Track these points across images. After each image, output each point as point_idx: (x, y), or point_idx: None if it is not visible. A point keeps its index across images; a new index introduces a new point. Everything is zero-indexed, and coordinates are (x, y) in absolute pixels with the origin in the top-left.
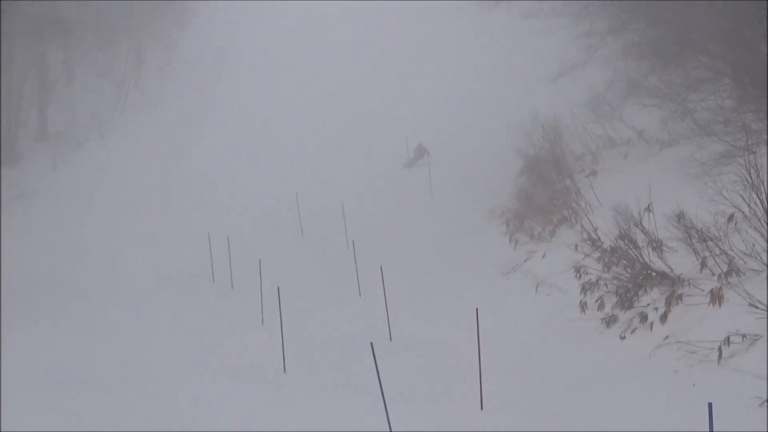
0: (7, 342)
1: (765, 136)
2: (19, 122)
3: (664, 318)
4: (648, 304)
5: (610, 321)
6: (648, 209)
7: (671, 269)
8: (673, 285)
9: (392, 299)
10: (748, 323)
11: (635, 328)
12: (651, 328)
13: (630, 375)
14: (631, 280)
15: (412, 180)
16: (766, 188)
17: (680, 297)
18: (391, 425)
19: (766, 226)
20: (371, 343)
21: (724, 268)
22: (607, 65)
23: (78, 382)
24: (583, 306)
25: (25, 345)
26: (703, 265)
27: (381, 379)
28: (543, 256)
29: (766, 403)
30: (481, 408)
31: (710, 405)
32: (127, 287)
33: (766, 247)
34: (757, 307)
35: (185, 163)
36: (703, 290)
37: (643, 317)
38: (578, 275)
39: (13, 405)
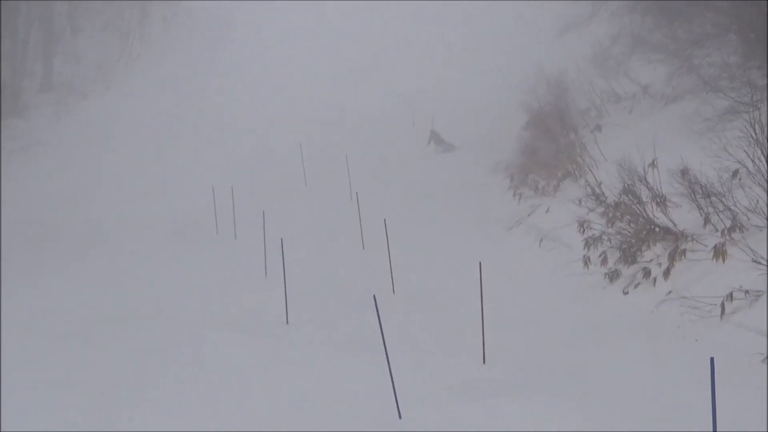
0: (10, 292)
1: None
2: (24, 73)
3: (667, 273)
4: (651, 260)
5: (613, 276)
6: (652, 164)
7: (675, 225)
8: (676, 240)
9: (395, 252)
10: (751, 279)
11: (638, 284)
12: (654, 283)
13: (632, 330)
14: (635, 235)
15: (415, 133)
16: None
17: (683, 252)
18: (393, 378)
19: None
20: (374, 296)
21: (728, 223)
22: (612, 20)
23: (78, 333)
24: (586, 261)
25: (27, 295)
26: (707, 220)
27: (383, 332)
28: (547, 211)
29: (767, 359)
30: (484, 361)
31: (712, 360)
32: (129, 238)
33: None
34: (760, 263)
35: (189, 115)
36: (706, 246)
37: (646, 272)
38: (582, 230)
39: (16, 356)
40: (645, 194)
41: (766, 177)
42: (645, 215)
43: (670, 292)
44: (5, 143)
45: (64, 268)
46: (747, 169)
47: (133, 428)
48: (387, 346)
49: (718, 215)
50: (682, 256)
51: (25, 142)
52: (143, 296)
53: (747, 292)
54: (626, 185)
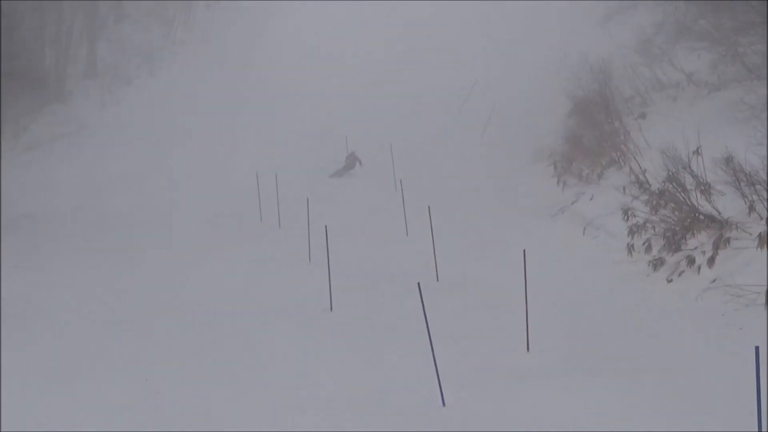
0: (55, 279)
1: None
2: (69, 59)
3: (711, 261)
4: (695, 248)
5: (657, 264)
6: (696, 152)
7: (719, 212)
8: (720, 228)
9: (440, 239)
10: None
11: (682, 271)
12: (698, 271)
13: (677, 318)
14: (679, 223)
15: (461, 121)
16: None
17: (728, 240)
18: (437, 365)
19: None
20: (418, 283)
21: None
22: (656, 8)
23: (123, 319)
24: (630, 248)
25: (70, 282)
26: (751, 208)
27: (427, 319)
28: (591, 198)
29: None
30: (528, 349)
31: (757, 349)
32: (174, 225)
33: None
34: None
35: (233, 101)
36: (750, 234)
37: (691, 260)
38: (626, 218)
39: (62, 341)
40: (689, 182)
41: None
42: (689, 203)
43: (714, 281)
44: (49, 129)
45: (108, 255)
46: None
47: (177, 414)
48: (431, 333)
49: (762, 203)
50: (727, 244)
51: (69, 129)
52: (188, 283)
53: None
54: (670, 173)
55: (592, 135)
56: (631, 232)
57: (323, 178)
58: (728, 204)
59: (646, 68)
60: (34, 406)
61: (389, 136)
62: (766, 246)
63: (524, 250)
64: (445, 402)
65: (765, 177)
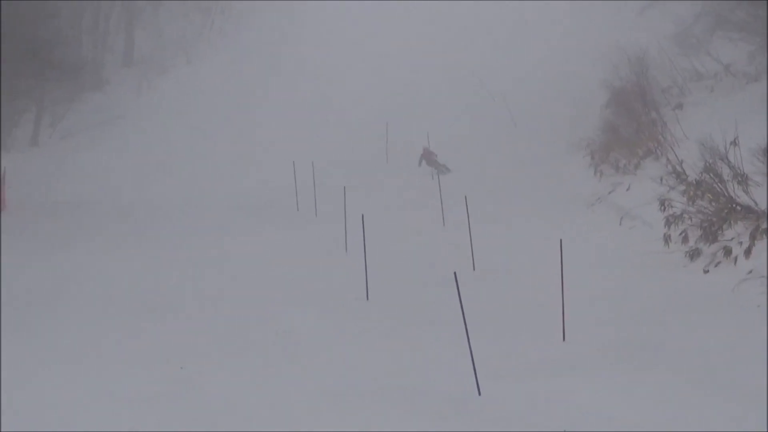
0: (93, 266)
1: None
2: (106, 47)
3: (748, 252)
4: (732, 238)
5: (693, 254)
6: (734, 143)
7: (756, 203)
8: (757, 219)
9: (476, 229)
10: None
11: (719, 262)
12: (735, 262)
13: (713, 309)
14: (716, 213)
15: (497, 111)
16: None
17: (765, 231)
18: (473, 355)
19: None
20: (454, 273)
21: None
22: None
23: (158, 308)
24: (667, 239)
25: (109, 269)
26: None
27: (463, 309)
28: (627, 189)
29: None
30: (564, 339)
31: None
32: (209, 213)
33: None
34: None
35: (270, 89)
36: None
37: (728, 251)
38: (663, 208)
39: (97, 329)
40: (726, 173)
41: None
42: (726, 194)
43: (751, 272)
44: (86, 117)
45: (144, 243)
46: None
47: (211, 403)
48: (467, 322)
49: None
50: (764, 235)
51: (106, 117)
52: (223, 272)
53: None
54: (707, 164)
55: (629, 125)
56: (668, 222)
57: (359, 168)
58: (765, 195)
59: (683, 58)
60: (65, 394)
61: (424, 127)
62: None
63: (561, 240)
64: (481, 392)
65: None
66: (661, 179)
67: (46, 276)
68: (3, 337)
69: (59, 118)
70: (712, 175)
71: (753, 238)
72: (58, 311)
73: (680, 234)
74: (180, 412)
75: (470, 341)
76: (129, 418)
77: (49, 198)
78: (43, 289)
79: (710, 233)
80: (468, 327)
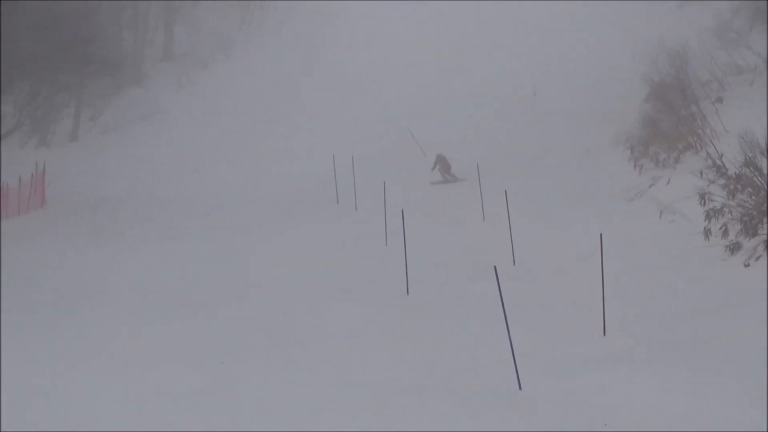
0: (129, 260)
1: None
2: (146, 43)
3: None
4: None
5: (734, 248)
6: None
7: None
8: None
9: (516, 223)
10: None
11: (759, 256)
12: None
13: (753, 302)
14: (756, 207)
15: (537, 107)
16: None
17: None
18: (514, 350)
19: None
20: (494, 267)
21: None
22: None
23: (196, 302)
24: (707, 233)
25: (146, 263)
26: None
27: (504, 303)
28: (667, 183)
29: None
30: (604, 333)
31: None
32: (249, 208)
33: None
34: None
35: (309, 84)
36: None
37: None
38: (703, 202)
39: (134, 324)
40: (766, 166)
41: None
42: (766, 187)
43: None
44: (125, 112)
45: (183, 238)
46: None
47: (252, 397)
48: (507, 317)
49: None
50: None
51: (145, 112)
52: (262, 265)
53: None
54: (748, 157)
55: (669, 119)
56: (708, 216)
57: (399, 163)
58: None
59: (723, 52)
60: (106, 390)
61: (464, 123)
62: None
63: (601, 234)
64: (522, 386)
65: None
66: (701, 173)
67: (86, 271)
68: (41, 332)
69: (99, 113)
70: (752, 168)
71: None
72: (97, 306)
73: (720, 228)
74: (222, 407)
75: (511, 335)
76: (172, 413)
77: (89, 193)
78: (82, 284)
79: (750, 227)
80: (508, 321)
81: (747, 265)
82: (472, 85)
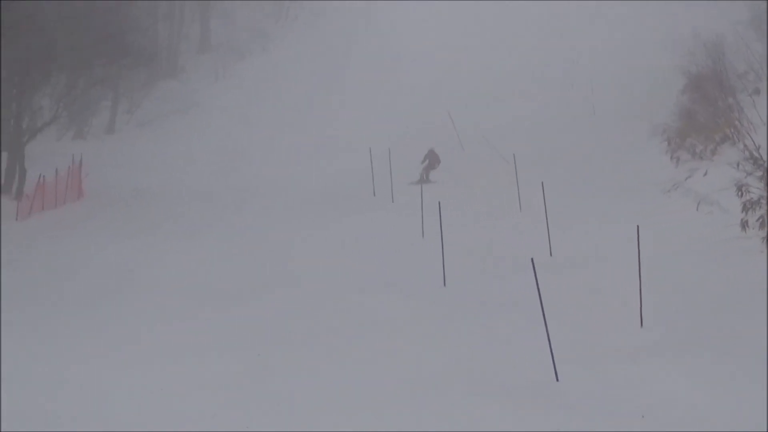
0: (161, 253)
1: None
2: (182, 35)
3: None
4: None
5: None
6: None
7: None
8: None
9: (552, 215)
10: None
11: None
12: None
13: None
14: None
15: (573, 98)
16: None
17: None
18: (551, 341)
19: None
20: (531, 259)
21: None
22: None
23: (233, 293)
24: (744, 224)
25: (178, 256)
26: None
27: (541, 295)
28: (704, 174)
29: None
30: (641, 325)
31: None
32: (286, 200)
33: None
34: None
35: (346, 76)
36: None
37: None
38: (740, 194)
39: (170, 316)
40: None
41: None
42: None
43: None
44: (162, 105)
45: (220, 230)
46: None
47: (288, 389)
48: (544, 308)
49: None
50: None
51: (182, 104)
52: (299, 257)
53: None
54: None
55: (706, 111)
56: (745, 208)
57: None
58: None
59: (759, 44)
60: (143, 381)
61: (500, 115)
62: None
63: (637, 226)
64: (559, 377)
65: None
66: (738, 165)
67: (122, 262)
68: (77, 323)
69: (135, 105)
70: None
71: None
72: (133, 298)
73: (757, 219)
74: (260, 397)
75: (548, 327)
76: (209, 403)
77: (125, 186)
78: (118, 275)
79: None
80: (545, 313)
81: None
82: (509, 78)
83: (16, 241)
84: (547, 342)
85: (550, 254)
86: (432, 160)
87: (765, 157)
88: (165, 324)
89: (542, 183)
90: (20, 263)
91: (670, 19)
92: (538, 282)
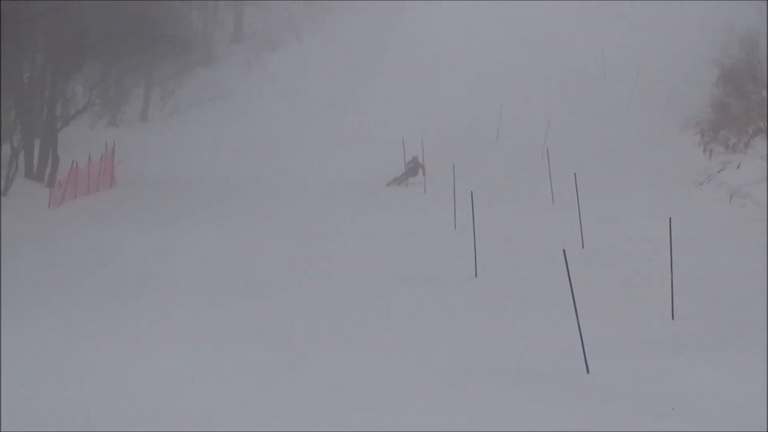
0: (192, 242)
1: None
2: (216, 23)
3: None
4: None
5: None
6: None
7: None
8: None
9: (585, 207)
10: None
11: None
12: None
13: None
14: None
15: (608, 90)
16: None
17: None
18: (582, 333)
19: None
20: (563, 251)
21: None
22: None
23: (264, 283)
24: None
25: (208, 246)
26: None
27: (572, 287)
28: (738, 167)
29: None
30: (672, 318)
31: None
32: (317, 190)
33: None
34: None
35: (380, 67)
36: None
37: None
38: None
39: (202, 303)
40: None
41: None
42: None
43: None
44: (196, 93)
45: (250, 220)
46: None
47: (320, 379)
48: (576, 300)
49: None
50: None
51: (215, 93)
52: (331, 247)
53: None
54: None
55: (740, 104)
56: None
57: (468, 146)
58: None
59: None
60: (177, 371)
61: (536, 104)
62: None
63: (670, 218)
64: (590, 369)
65: None
66: None
67: (154, 251)
68: (110, 311)
69: (169, 94)
70: None
71: None
72: (165, 286)
73: None
74: (291, 386)
75: (579, 319)
76: (241, 392)
77: (158, 174)
78: (151, 263)
79: None
80: (577, 305)
81: None
82: (543, 70)
83: (48, 228)
84: (579, 334)
85: (583, 246)
86: (415, 166)
87: None
88: (196, 312)
89: (575, 175)
90: (52, 250)
91: (703, 13)
92: (570, 274)
